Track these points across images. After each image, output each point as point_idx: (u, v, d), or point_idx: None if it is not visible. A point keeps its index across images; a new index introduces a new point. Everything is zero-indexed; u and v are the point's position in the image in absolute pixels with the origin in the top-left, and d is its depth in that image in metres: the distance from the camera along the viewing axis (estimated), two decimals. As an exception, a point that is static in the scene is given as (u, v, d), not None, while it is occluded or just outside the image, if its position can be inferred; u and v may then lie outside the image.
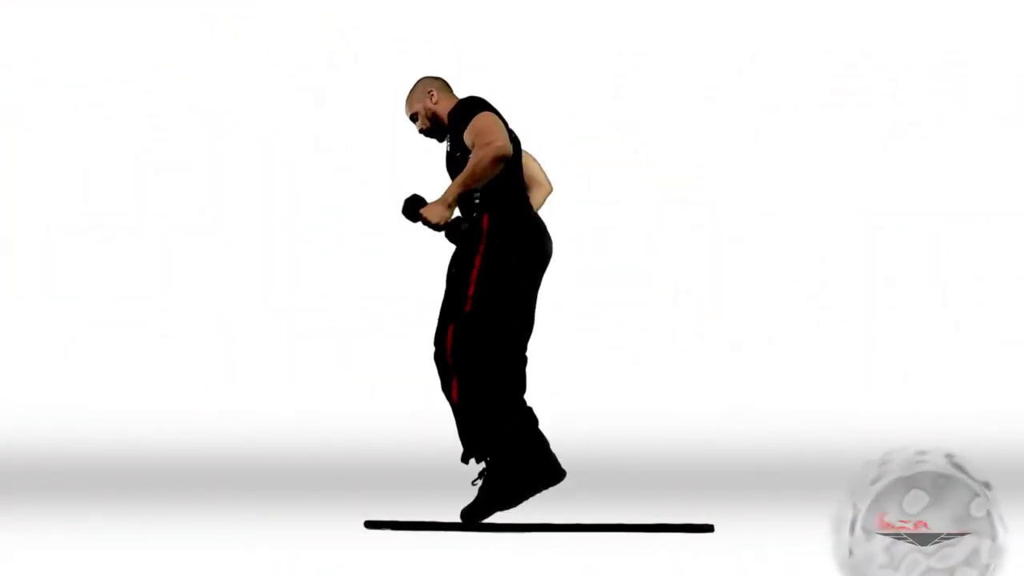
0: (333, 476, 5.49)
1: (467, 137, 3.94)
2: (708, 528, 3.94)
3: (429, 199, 3.99)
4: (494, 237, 3.96)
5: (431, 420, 5.65)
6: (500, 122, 3.95)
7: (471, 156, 3.89)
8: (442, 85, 4.24)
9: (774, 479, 5.36)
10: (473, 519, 3.91)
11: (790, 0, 6.59)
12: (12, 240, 6.54)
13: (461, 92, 4.27)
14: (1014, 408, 6.10)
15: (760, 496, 4.91)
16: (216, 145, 6.60)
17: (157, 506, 4.68)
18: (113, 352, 6.44)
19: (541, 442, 3.98)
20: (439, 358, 3.99)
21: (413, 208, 3.99)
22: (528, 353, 4.14)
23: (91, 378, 6.35)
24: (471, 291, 3.93)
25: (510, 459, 3.89)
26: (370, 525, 4.07)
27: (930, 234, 6.50)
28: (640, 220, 6.51)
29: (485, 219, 3.98)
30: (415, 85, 4.26)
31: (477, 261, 3.95)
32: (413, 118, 4.24)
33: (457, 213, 4.05)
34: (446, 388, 3.98)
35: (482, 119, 3.92)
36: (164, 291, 6.53)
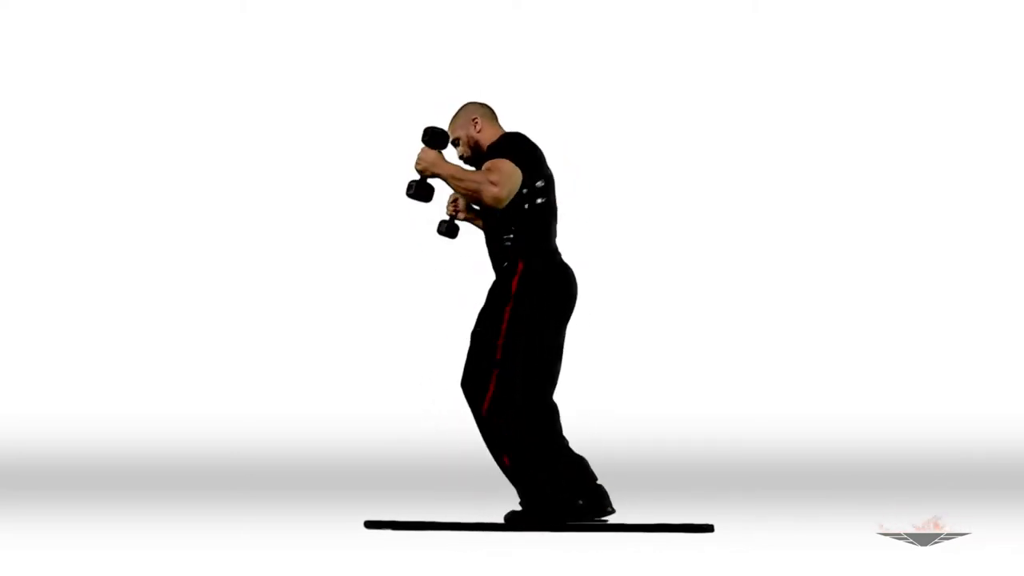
0: (333, 476, 5.49)
1: (485, 165, 3.99)
2: (708, 528, 3.95)
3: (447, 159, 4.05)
4: (522, 294, 3.98)
5: (432, 421, 5.67)
6: (518, 178, 3.96)
7: (479, 171, 3.99)
8: (486, 113, 4.18)
9: (773, 479, 5.37)
10: (514, 526, 3.97)
11: (791, 3, 6.60)
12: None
13: (500, 109, 4.25)
14: (1013, 410, 6.11)
15: (760, 496, 4.92)
16: (216, 148, 6.61)
17: (157, 506, 4.68)
18: (114, 353, 6.44)
19: (586, 474, 4.02)
20: (479, 416, 4.00)
21: (429, 136, 4.03)
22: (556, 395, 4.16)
23: (92, 379, 6.35)
24: (499, 354, 3.95)
25: (549, 499, 3.94)
26: (370, 525, 4.07)
27: (929, 236, 6.51)
28: (638, 221, 6.52)
29: (515, 278, 4.01)
30: (459, 110, 4.20)
31: (505, 321, 3.97)
32: (455, 143, 4.20)
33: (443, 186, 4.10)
34: (496, 455, 4.00)
35: (506, 165, 3.96)
36: (165, 292, 6.54)
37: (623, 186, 6.48)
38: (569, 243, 4.17)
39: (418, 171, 4.05)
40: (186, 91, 6.62)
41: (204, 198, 6.58)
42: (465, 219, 4.29)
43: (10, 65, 6.62)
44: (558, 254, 4.12)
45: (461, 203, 4.26)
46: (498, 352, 3.95)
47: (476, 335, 4.06)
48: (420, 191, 4.08)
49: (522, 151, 4.01)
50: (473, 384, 4.01)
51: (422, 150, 4.04)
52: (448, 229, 4.27)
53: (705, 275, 6.43)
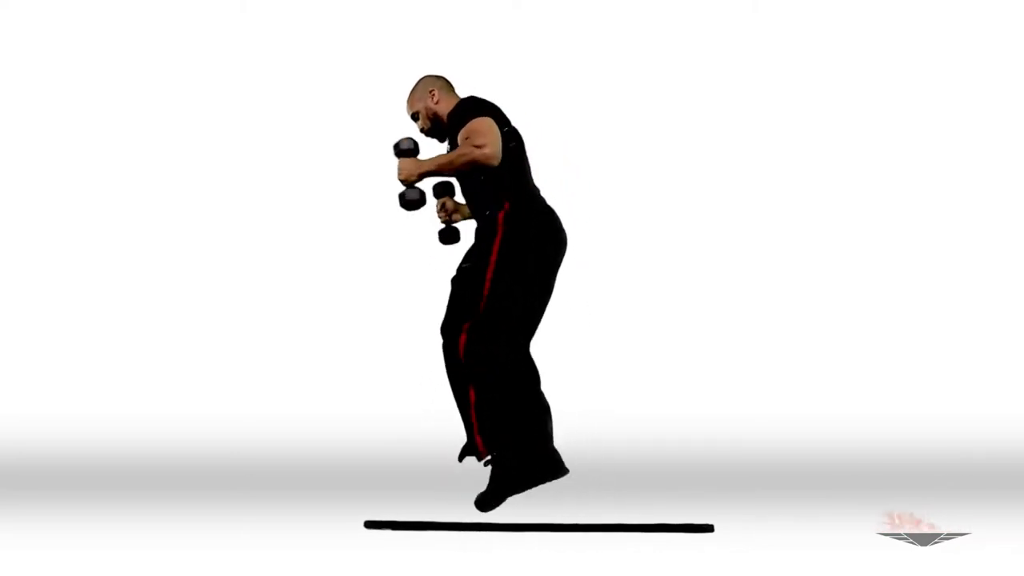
0: (333, 476, 5.49)
1: (460, 135, 3.95)
2: (708, 528, 3.95)
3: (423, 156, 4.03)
4: (509, 233, 3.95)
5: (431, 420, 5.67)
6: (496, 129, 3.94)
7: (458, 148, 3.92)
8: (444, 84, 4.19)
9: (773, 479, 5.36)
10: (486, 507, 3.90)
11: (791, 3, 6.60)
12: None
13: (462, 90, 4.24)
14: (1014, 410, 6.11)
15: (760, 496, 4.91)
16: (216, 148, 6.61)
17: (157, 506, 4.68)
18: (114, 353, 6.44)
19: (547, 435, 3.97)
20: (449, 353, 3.99)
21: (401, 150, 4.02)
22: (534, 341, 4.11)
23: (92, 379, 6.35)
24: (486, 290, 3.92)
25: (520, 450, 3.87)
26: (370, 525, 4.07)
27: (928, 236, 6.51)
28: (638, 221, 6.52)
29: (500, 215, 3.97)
30: (416, 84, 4.22)
31: (492, 259, 3.94)
32: (414, 117, 4.21)
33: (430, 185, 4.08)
34: (458, 387, 3.96)
35: (480, 122, 3.92)
36: (164, 292, 6.53)
37: (623, 186, 6.47)
38: (569, 242, 4.16)
39: (402, 181, 4.01)
40: (186, 91, 6.61)
41: (204, 198, 6.57)
42: (461, 219, 4.29)
43: (10, 65, 6.62)
44: (540, 196, 4.09)
45: (449, 205, 4.26)
46: (485, 287, 3.92)
47: (459, 278, 4.04)
48: (411, 201, 4.05)
49: (483, 106, 4.01)
50: (456, 326, 3.98)
51: (400, 162, 4.00)
52: (448, 235, 4.27)
53: (705, 275, 6.42)
